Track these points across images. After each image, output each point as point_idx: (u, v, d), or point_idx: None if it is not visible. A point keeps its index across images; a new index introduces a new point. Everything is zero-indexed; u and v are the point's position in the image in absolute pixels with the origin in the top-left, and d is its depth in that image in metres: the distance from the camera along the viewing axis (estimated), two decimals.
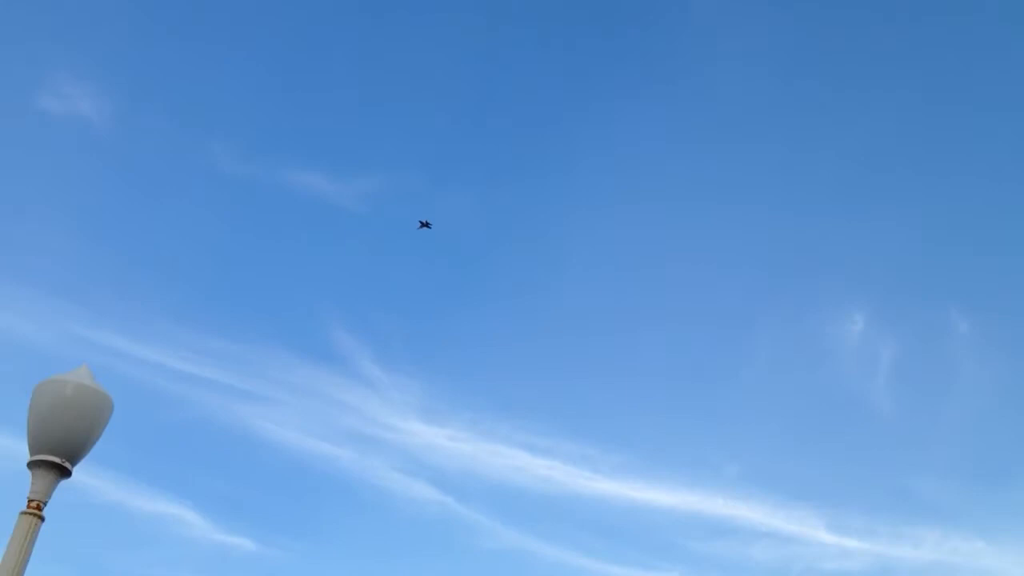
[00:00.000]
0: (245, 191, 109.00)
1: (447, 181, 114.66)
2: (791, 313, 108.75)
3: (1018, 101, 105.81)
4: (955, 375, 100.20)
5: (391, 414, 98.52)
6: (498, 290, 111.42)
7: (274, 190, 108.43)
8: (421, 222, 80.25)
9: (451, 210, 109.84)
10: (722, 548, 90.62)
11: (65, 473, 9.80)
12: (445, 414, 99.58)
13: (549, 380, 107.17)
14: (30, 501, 9.61)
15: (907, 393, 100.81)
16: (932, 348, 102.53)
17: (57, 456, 9.73)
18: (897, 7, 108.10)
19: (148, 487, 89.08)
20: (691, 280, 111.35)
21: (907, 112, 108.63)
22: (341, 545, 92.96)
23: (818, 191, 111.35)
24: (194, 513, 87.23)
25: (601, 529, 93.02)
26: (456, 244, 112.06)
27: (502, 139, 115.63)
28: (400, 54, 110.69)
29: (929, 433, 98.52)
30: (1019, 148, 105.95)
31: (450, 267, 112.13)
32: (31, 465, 9.75)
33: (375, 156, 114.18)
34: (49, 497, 9.71)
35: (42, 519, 9.61)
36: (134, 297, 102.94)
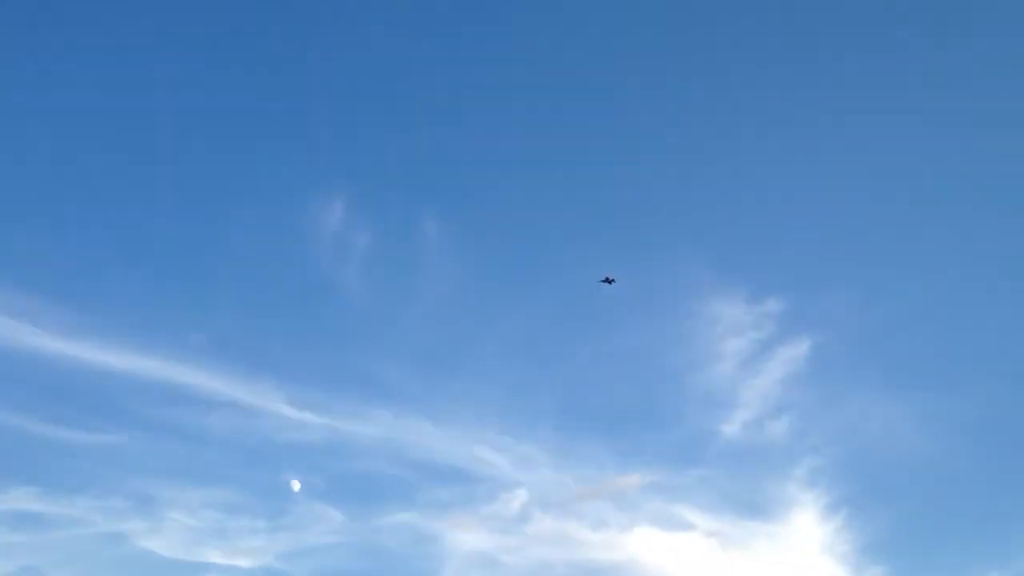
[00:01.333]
0: None
1: None
2: (272, 194, 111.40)
3: None
4: (419, 270, 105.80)
5: None
6: None
7: None
8: None
9: None
10: (179, 415, 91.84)
11: None
12: None
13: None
14: None
15: (376, 283, 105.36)
16: (402, 244, 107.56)
17: None
18: None
19: None
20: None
21: None
22: None
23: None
24: None
25: (41, 389, 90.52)
26: None
27: None
28: None
29: (392, 322, 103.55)
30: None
31: None
32: None
33: None
34: None
35: None
36: None
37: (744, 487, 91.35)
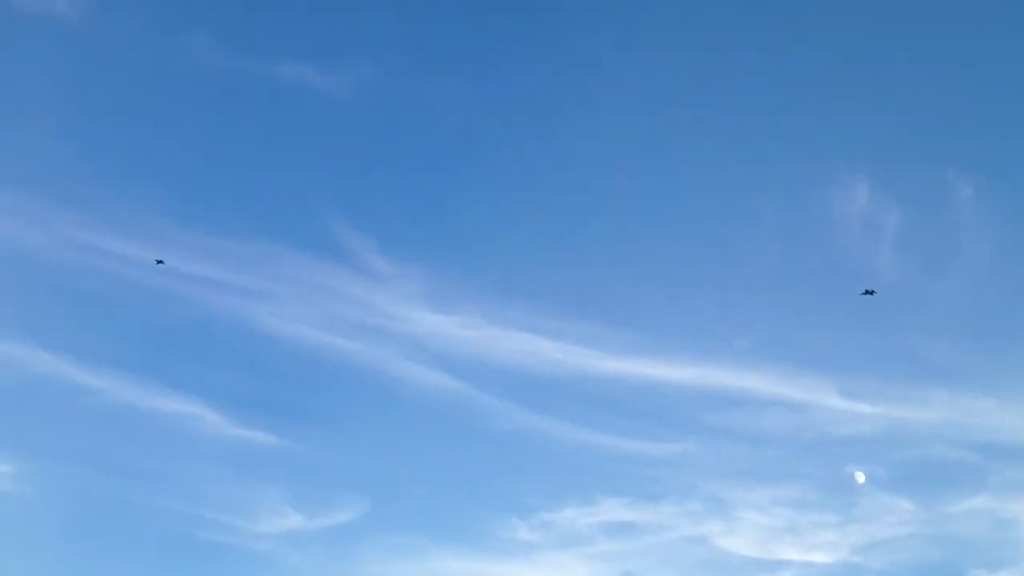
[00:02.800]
0: (232, 85, 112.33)
1: (437, 68, 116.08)
2: (793, 187, 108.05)
3: None
4: (957, 238, 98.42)
5: (398, 304, 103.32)
6: (497, 177, 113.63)
7: (261, 83, 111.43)
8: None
9: (442, 97, 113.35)
10: (734, 419, 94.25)
11: None
12: (453, 302, 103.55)
13: (555, 265, 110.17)
14: None
15: (910, 259, 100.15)
16: (934, 213, 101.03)
17: None
18: None
19: (162, 387, 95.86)
20: (688, 159, 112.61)
21: None
22: (359, 434, 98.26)
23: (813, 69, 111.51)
24: (210, 410, 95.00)
25: (613, 407, 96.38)
26: (450, 131, 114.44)
27: (491, 27, 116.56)
28: None
29: (934, 297, 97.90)
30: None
31: (448, 155, 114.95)
32: None
33: (363, 45, 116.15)
34: None
35: None
36: (131, 199, 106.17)
37: None
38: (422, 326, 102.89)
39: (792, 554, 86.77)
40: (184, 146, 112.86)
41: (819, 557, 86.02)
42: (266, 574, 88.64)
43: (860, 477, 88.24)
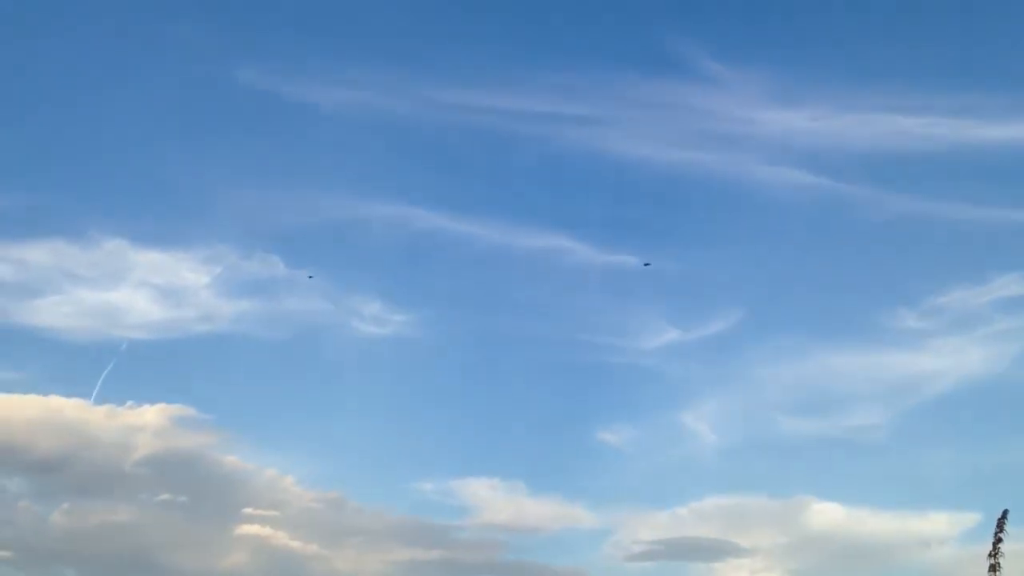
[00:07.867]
0: None
1: None
2: None
3: None
4: None
5: (744, 107, 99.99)
6: None
7: None
8: None
9: None
10: None
11: None
12: (800, 95, 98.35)
13: (906, 36, 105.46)
14: None
15: None
16: None
17: None
18: None
19: (529, 226, 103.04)
20: None
21: None
22: (725, 244, 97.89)
23: None
24: (577, 242, 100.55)
25: (997, 177, 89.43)
26: None
27: None
28: None
29: None
30: None
31: None
32: None
33: None
34: None
35: None
36: (471, 53, 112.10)
37: None
38: (772, 126, 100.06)
39: None
40: None
41: None
42: (655, 385, 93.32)
43: None
